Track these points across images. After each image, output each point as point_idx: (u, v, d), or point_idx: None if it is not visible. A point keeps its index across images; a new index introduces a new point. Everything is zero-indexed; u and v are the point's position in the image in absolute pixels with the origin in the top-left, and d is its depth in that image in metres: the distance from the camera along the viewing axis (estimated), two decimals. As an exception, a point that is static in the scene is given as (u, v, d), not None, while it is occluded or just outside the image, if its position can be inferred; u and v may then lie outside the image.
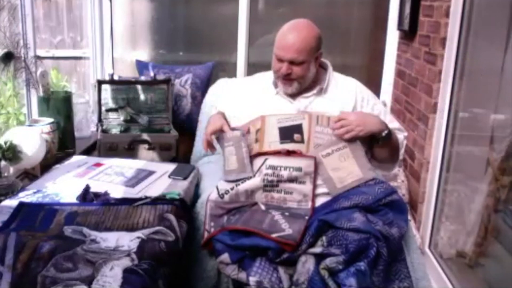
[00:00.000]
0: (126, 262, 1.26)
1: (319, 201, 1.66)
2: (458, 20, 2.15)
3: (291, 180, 1.65)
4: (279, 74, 1.81)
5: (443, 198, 2.31)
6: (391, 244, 1.50)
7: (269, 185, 1.66)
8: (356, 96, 1.87)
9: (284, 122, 1.74)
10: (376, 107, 1.88)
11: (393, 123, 1.89)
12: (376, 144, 1.76)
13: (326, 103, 1.84)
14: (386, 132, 1.72)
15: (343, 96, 1.86)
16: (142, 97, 2.52)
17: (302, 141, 1.70)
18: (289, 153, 1.69)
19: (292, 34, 1.77)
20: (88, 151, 2.36)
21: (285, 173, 1.65)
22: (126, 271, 1.22)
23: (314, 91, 1.86)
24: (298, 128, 1.72)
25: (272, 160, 1.69)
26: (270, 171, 1.66)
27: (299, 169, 1.65)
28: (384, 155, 1.81)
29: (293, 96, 1.87)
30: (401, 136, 1.87)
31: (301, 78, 1.80)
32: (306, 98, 1.86)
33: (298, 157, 1.68)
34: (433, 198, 2.33)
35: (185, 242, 1.52)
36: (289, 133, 1.72)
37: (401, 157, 1.90)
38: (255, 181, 1.66)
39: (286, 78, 1.80)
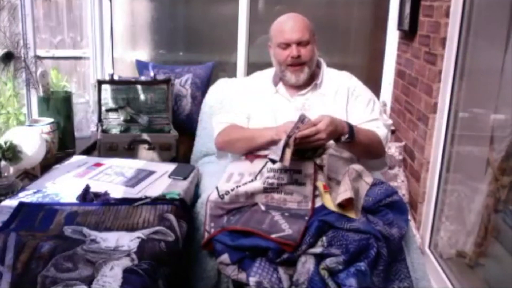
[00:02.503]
0: (126, 262, 1.25)
1: (319, 201, 1.66)
2: (458, 20, 2.15)
3: (292, 182, 1.65)
4: (288, 60, 1.82)
5: (443, 198, 2.31)
6: (391, 244, 1.50)
7: (270, 187, 1.66)
8: (348, 86, 1.91)
9: None
10: (360, 97, 1.90)
11: (375, 114, 1.88)
12: (338, 143, 1.74)
13: (321, 98, 1.88)
14: (346, 136, 1.69)
15: (337, 89, 1.90)
16: (142, 97, 2.52)
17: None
18: None
19: (291, 19, 1.84)
20: (88, 151, 2.36)
21: (285, 176, 1.65)
22: (126, 271, 1.22)
23: (309, 87, 1.89)
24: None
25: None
26: (271, 174, 1.67)
27: (299, 172, 1.66)
28: (361, 153, 1.81)
29: (291, 94, 1.90)
30: (381, 131, 1.85)
31: (310, 60, 1.84)
32: (302, 96, 1.91)
33: (298, 160, 1.69)
34: (433, 198, 2.33)
35: (185, 242, 1.52)
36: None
37: (386, 148, 1.90)
38: (256, 184, 1.66)
39: (296, 63, 1.82)
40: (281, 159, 1.56)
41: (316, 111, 1.82)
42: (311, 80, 1.90)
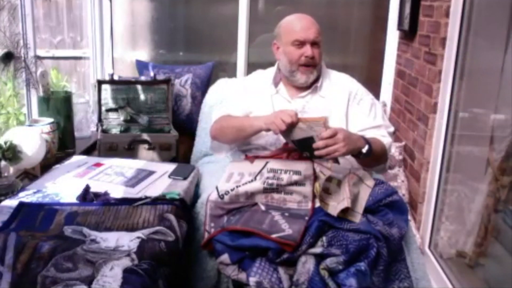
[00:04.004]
0: (126, 262, 1.25)
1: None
2: (458, 20, 2.15)
3: (291, 183, 1.65)
4: (301, 59, 1.80)
5: (443, 198, 2.31)
6: (391, 244, 1.51)
7: (269, 188, 1.66)
8: (349, 90, 1.90)
9: None
10: (362, 102, 1.89)
11: (378, 120, 1.88)
12: (357, 159, 1.74)
13: (321, 101, 1.87)
14: (366, 148, 1.67)
15: (337, 92, 1.89)
16: (142, 97, 2.52)
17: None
18: (288, 156, 1.70)
19: (304, 19, 1.82)
20: (88, 151, 2.36)
21: (285, 177, 1.65)
22: (126, 271, 1.22)
23: (310, 90, 1.89)
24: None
25: (273, 164, 1.70)
26: (271, 175, 1.67)
27: (298, 173, 1.66)
28: (368, 164, 1.80)
29: (291, 95, 1.89)
30: (386, 140, 1.85)
31: (319, 63, 1.84)
32: (302, 98, 1.90)
33: (297, 161, 1.69)
34: (433, 198, 2.33)
35: (185, 242, 1.52)
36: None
37: (388, 155, 1.89)
38: (256, 184, 1.66)
39: (310, 63, 1.81)
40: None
41: (315, 114, 1.82)
42: (312, 83, 1.90)
